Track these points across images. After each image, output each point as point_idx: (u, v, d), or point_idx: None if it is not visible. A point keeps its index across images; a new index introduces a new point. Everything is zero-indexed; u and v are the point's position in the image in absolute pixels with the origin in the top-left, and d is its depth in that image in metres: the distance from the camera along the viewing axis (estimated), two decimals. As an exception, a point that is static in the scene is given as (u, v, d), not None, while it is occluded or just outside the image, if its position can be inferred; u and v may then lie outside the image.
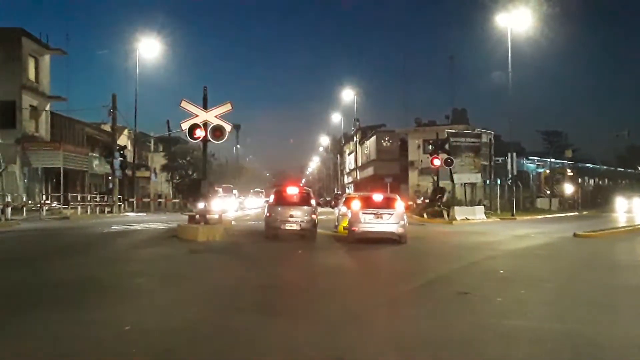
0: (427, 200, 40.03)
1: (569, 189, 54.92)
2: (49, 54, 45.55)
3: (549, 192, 41.48)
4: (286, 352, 6.40)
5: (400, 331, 7.43)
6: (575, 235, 22.37)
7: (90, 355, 6.22)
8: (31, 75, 43.30)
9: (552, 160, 62.76)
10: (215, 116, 20.29)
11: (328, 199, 70.78)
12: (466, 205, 36.82)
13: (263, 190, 75.50)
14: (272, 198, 21.75)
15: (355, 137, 79.80)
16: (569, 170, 60.08)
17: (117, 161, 44.43)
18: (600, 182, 76.69)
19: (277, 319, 8.01)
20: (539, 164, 62.17)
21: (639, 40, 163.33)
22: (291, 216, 20.27)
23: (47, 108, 45.36)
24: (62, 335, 6.99)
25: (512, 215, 37.93)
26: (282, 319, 8.02)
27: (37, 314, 8.01)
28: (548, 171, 44.51)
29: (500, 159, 45.67)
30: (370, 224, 19.03)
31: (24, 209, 33.42)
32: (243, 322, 7.81)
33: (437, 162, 35.99)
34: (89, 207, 40.33)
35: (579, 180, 62.74)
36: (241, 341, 6.87)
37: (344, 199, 25.91)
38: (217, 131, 20.15)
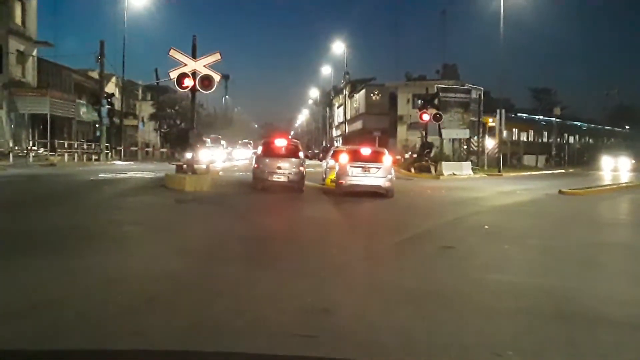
0: (414, 155, 39.96)
1: (490, 143, 46.47)
2: (36, -3, 44.44)
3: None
4: (271, 303, 6.40)
5: (384, 283, 7.49)
6: (560, 192, 22.55)
7: (75, 301, 6.23)
8: (18, 19, 42.29)
9: (540, 117, 62.79)
10: (204, 65, 20.04)
11: (316, 151, 70.57)
12: (453, 161, 36.88)
13: (251, 142, 75.17)
14: (260, 149, 21.64)
15: (344, 90, 79.08)
16: (490, 120, 45.59)
17: (105, 109, 44.06)
18: (589, 140, 76.89)
19: (263, 270, 8.00)
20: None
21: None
22: (279, 168, 20.18)
23: (34, 54, 44.57)
24: (48, 282, 6.99)
25: (499, 171, 38.14)
26: (267, 270, 8.02)
27: (23, 260, 7.98)
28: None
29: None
30: (358, 177, 19.05)
31: (11, 154, 33.19)
32: (228, 272, 7.81)
33: (426, 117, 35.84)
34: (75, 154, 40.16)
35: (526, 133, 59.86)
36: (226, 292, 6.86)
37: (332, 152, 25.83)
38: (206, 80, 19.93)
